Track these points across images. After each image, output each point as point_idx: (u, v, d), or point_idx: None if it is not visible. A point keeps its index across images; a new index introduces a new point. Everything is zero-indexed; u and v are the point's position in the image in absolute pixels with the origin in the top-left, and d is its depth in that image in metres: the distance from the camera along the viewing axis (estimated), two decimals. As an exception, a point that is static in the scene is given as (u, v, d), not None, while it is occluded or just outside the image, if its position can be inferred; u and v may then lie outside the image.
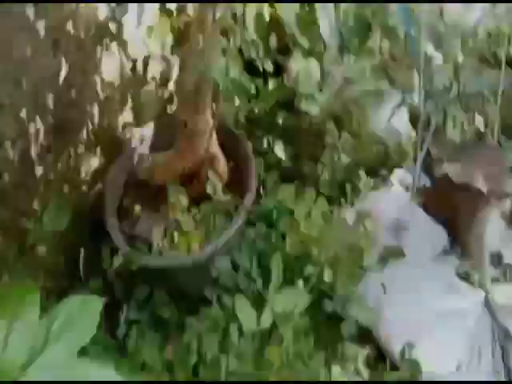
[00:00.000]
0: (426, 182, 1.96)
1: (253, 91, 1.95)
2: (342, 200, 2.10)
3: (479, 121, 1.79)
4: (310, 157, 2.22)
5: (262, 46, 1.77)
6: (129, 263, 1.60)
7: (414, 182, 1.92)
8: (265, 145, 2.10)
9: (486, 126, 1.76)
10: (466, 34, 1.70)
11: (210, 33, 1.43)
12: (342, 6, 1.49)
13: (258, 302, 1.81)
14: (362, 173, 2.13)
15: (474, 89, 1.75)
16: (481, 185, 1.73)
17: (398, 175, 2.06)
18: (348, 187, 2.12)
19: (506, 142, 2.23)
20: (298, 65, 1.86)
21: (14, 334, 1.31)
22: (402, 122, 2.10)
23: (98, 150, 1.92)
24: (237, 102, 1.95)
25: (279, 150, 2.11)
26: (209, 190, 1.75)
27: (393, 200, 1.96)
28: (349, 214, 1.91)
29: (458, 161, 1.79)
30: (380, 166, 2.24)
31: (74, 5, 1.62)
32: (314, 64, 1.83)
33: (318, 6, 1.44)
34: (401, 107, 1.95)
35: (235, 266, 1.89)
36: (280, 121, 2.12)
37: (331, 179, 2.06)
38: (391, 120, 2.02)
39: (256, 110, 2.10)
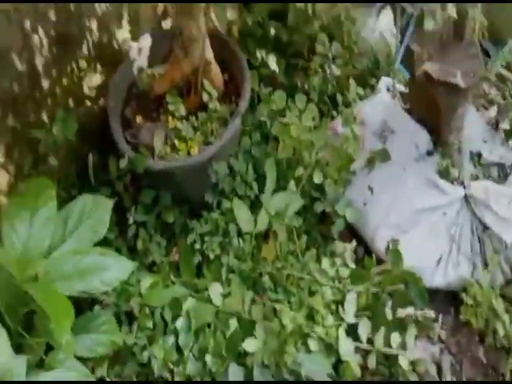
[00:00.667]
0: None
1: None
2: (334, 112, 2.20)
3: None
4: (301, 68, 2.31)
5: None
6: (134, 166, 1.74)
7: (394, 80, 2.01)
8: (258, 57, 2.18)
9: (462, 23, 1.81)
10: None
11: None
12: None
13: (255, 206, 1.95)
14: (352, 83, 2.22)
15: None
16: (459, 81, 1.80)
17: (385, 82, 2.15)
18: (339, 98, 2.22)
19: (493, 47, 2.31)
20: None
21: (35, 226, 1.48)
22: (388, 27, 2.17)
23: (99, 65, 2.02)
24: (229, 14, 2.02)
25: (272, 62, 2.19)
26: (205, 98, 1.86)
27: (379, 105, 2.07)
28: (339, 122, 2.01)
29: (437, 58, 1.86)
30: (369, 76, 2.33)
31: None
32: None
33: None
34: (385, 8, 2.02)
35: (233, 173, 2.03)
36: (272, 33, 2.19)
37: (321, 88, 2.16)
38: (378, 26, 2.09)
39: (249, 23, 2.17)
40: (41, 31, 1.69)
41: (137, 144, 1.84)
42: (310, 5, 2.19)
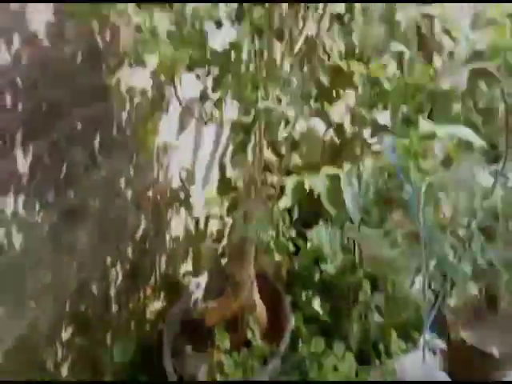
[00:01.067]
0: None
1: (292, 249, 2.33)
2: (377, 361, 2.30)
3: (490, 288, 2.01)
4: (346, 310, 2.49)
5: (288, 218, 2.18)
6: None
7: (424, 339, 2.13)
8: (303, 298, 2.41)
9: (497, 293, 1.99)
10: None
11: (256, 198, 1.85)
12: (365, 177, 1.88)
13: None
14: (393, 333, 2.34)
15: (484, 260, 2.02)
16: (494, 351, 1.92)
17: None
18: (381, 347, 2.33)
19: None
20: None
21: None
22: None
23: (162, 293, 2.31)
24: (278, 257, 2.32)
25: (316, 305, 2.41)
26: (249, 335, 2.06)
27: (419, 362, 2.16)
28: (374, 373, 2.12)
29: (473, 326, 2.01)
30: (412, 329, 2.45)
31: (155, 174, 2.11)
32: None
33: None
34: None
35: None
36: (317, 277, 2.44)
37: (361, 335, 2.30)
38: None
39: (296, 266, 2.46)
40: (118, 266, 2.02)
41: (183, 374, 2.01)
42: (357, 253, 2.47)
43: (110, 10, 1.37)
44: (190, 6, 1.43)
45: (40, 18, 1.43)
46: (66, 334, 1.80)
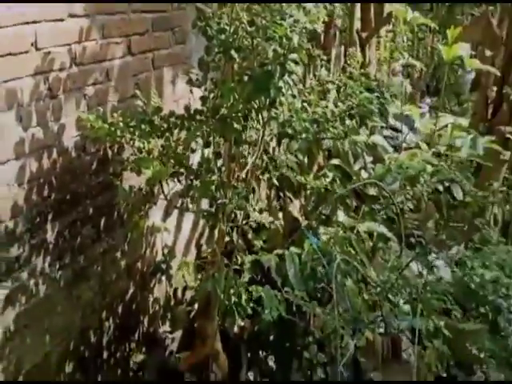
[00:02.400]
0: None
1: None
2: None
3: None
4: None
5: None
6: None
7: None
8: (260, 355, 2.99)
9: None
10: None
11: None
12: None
13: None
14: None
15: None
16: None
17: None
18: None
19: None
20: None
21: None
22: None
23: (144, 348, 2.90)
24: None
25: (271, 361, 2.98)
26: (212, 378, 2.63)
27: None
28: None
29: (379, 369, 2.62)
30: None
31: (143, 249, 2.78)
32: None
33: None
34: None
35: None
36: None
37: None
38: None
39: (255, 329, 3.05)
40: (111, 320, 2.63)
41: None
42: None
43: (123, 138, 2.09)
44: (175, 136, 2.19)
45: (68, 134, 2.17)
46: (68, 368, 2.38)
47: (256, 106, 1.85)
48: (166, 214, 2.93)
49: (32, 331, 2.12)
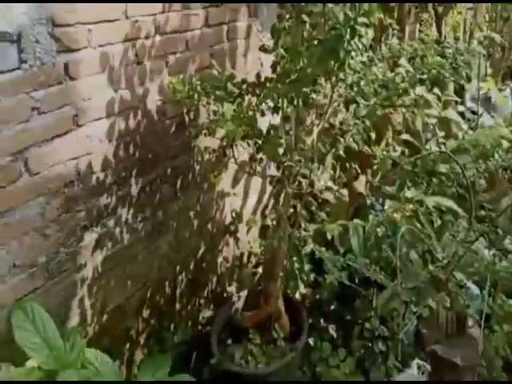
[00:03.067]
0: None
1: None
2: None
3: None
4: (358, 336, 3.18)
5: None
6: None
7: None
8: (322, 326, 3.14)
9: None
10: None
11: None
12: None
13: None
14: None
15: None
16: (458, 361, 2.58)
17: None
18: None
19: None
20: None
21: None
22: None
23: (212, 304, 3.12)
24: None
25: (332, 331, 3.13)
26: (274, 335, 2.81)
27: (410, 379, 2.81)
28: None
29: (443, 342, 2.68)
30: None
31: (214, 212, 2.98)
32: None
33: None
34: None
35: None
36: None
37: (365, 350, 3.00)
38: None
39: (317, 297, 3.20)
40: (184, 274, 2.86)
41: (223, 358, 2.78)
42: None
43: (199, 102, 2.29)
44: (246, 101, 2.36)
45: (152, 98, 2.39)
46: (145, 313, 2.63)
47: (325, 70, 1.98)
48: (235, 180, 3.12)
49: (116, 274, 2.37)
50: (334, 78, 2.04)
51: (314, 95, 2.14)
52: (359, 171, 3.55)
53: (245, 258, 3.35)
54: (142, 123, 2.36)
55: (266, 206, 3.49)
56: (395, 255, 2.53)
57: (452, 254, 2.56)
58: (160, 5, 2.33)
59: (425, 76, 2.38)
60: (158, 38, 2.36)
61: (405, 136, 3.40)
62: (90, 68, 2.06)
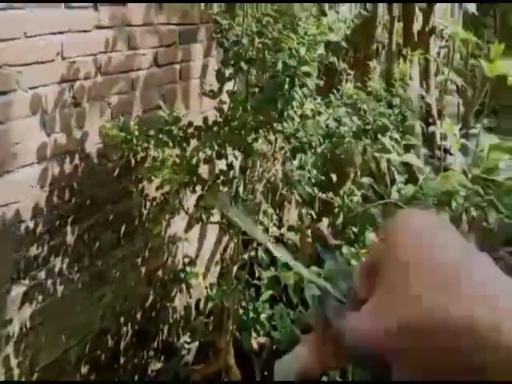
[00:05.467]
0: None
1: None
2: None
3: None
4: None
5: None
6: None
7: None
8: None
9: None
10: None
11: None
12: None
13: None
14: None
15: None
16: None
17: None
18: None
19: None
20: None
21: None
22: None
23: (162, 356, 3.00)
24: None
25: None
26: (224, 391, 2.70)
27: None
28: None
29: None
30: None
31: (165, 258, 2.89)
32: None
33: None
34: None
35: None
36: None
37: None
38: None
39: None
40: (129, 325, 2.75)
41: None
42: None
43: (138, 147, 2.23)
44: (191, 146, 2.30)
45: (92, 141, 2.32)
46: (83, 369, 2.50)
47: (264, 119, 1.93)
48: (190, 225, 3.04)
49: (48, 329, 2.26)
50: (273, 128, 1.99)
51: (256, 144, 2.09)
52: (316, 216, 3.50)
53: (201, 305, 3.24)
54: (79, 167, 2.29)
55: (225, 250, 3.40)
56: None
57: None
58: (102, 44, 2.28)
59: (369, 126, 2.34)
60: (99, 78, 2.30)
61: (365, 179, 3.37)
62: (20, 111, 1.99)
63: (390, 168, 3.94)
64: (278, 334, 2.47)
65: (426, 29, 5.21)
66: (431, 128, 4.64)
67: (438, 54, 6.68)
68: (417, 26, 5.33)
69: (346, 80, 3.44)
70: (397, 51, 4.85)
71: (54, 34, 2.06)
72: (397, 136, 2.85)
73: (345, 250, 3.08)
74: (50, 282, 2.23)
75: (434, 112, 5.32)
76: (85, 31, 2.19)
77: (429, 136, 4.86)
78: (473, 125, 7.22)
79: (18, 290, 2.09)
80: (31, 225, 2.11)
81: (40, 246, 2.16)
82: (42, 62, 2.03)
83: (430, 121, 5.25)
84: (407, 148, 4.10)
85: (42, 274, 2.19)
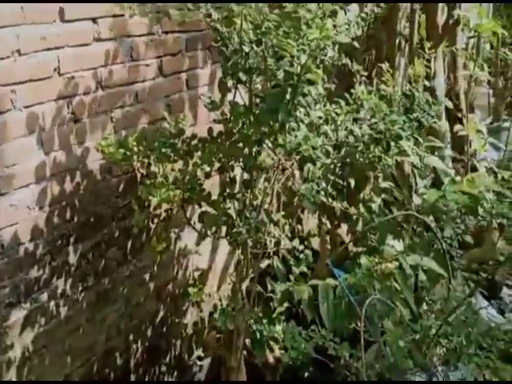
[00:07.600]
0: None
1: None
2: None
3: None
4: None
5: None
6: None
7: None
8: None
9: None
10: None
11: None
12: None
13: None
14: None
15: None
16: None
17: None
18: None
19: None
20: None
21: None
22: None
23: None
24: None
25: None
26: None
27: None
28: None
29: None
30: None
31: (175, 272, 2.83)
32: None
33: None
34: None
35: None
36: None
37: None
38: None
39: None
40: (139, 343, 2.71)
41: None
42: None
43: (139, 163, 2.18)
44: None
45: (93, 157, 2.27)
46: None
47: (266, 131, 1.85)
48: (200, 237, 2.98)
49: (51, 352, 2.23)
50: (276, 141, 1.91)
51: (259, 157, 2.01)
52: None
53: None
54: (81, 185, 2.25)
55: (238, 262, 3.34)
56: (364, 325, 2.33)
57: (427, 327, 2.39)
58: (101, 58, 2.23)
59: (380, 135, 2.23)
60: (100, 92, 2.25)
61: (384, 184, 3.26)
62: (15, 131, 1.95)
63: (414, 171, 3.82)
64: (285, 355, 2.38)
65: (450, 21, 5.03)
66: (457, 127, 4.48)
67: (467, 45, 6.47)
68: (441, 17, 5.15)
69: (360, 82, 3.33)
70: (419, 46, 4.68)
71: (49, 49, 2.01)
72: (418, 137, 2.73)
73: (363, 260, 2.97)
74: (52, 303, 2.20)
75: (463, 106, 5.13)
76: (84, 45, 2.14)
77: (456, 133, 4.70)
78: (505, 117, 6.98)
79: (18, 315, 2.07)
80: (30, 247, 2.07)
81: (41, 268, 2.13)
82: (38, 80, 1.99)
83: (459, 115, 5.07)
84: (432, 150, 3.96)
85: (44, 297, 2.16)
